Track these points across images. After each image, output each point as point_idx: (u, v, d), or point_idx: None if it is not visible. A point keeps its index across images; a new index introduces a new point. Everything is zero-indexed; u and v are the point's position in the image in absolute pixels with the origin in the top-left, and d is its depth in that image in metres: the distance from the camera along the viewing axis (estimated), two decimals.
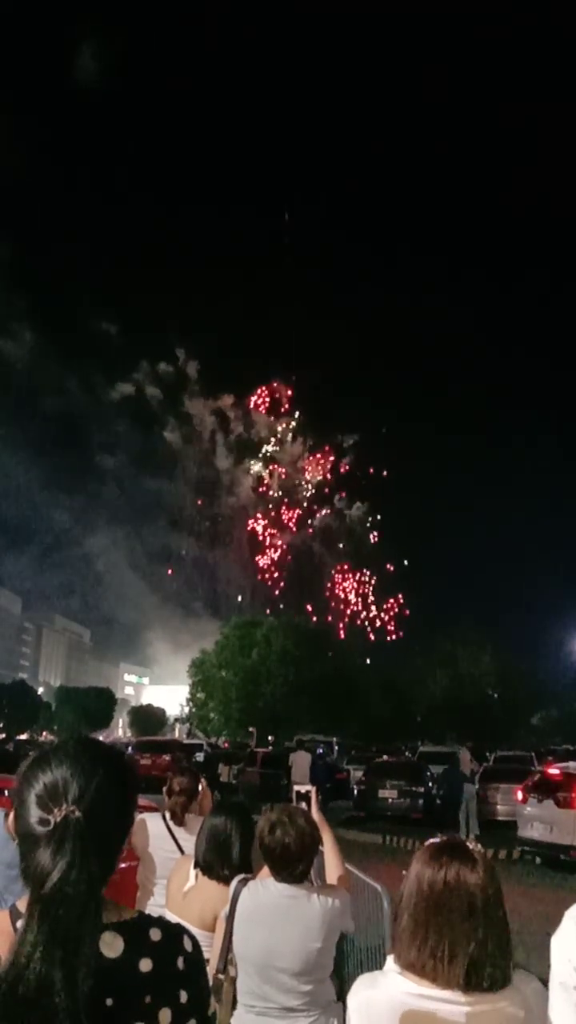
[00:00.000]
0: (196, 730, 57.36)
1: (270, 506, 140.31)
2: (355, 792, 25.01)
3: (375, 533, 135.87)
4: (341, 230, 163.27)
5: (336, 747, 40.65)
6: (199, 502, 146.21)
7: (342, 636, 78.99)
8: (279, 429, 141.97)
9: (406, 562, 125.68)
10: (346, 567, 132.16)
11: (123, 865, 4.52)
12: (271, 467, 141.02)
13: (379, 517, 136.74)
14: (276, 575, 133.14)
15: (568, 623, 65.89)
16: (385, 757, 29.84)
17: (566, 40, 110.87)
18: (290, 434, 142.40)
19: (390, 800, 22.65)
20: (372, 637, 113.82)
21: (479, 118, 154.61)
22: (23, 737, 52.70)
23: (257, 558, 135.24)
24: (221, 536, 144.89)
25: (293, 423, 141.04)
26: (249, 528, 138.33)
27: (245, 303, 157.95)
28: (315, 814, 3.49)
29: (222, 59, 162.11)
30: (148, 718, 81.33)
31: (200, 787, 4.81)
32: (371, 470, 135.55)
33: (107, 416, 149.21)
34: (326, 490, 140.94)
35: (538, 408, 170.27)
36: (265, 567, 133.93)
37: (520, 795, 16.43)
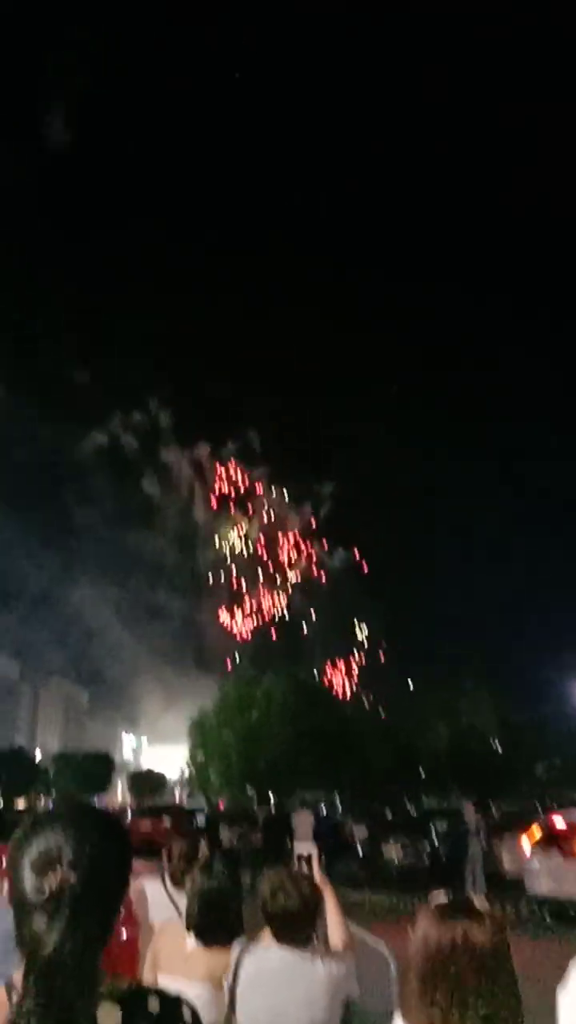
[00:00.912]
0: (196, 793, 56.45)
1: (247, 565, 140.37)
2: (359, 851, 24.56)
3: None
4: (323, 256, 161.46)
5: (339, 805, 40.01)
6: (179, 555, 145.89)
7: (339, 696, 77.36)
8: (254, 481, 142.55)
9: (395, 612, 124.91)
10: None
11: (124, 933, 4.44)
12: (243, 527, 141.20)
13: (360, 564, 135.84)
14: (259, 632, 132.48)
15: (569, 670, 65.38)
16: (389, 814, 29.39)
17: (566, 40, 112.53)
18: (262, 482, 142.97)
19: (395, 859, 22.26)
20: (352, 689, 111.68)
21: (479, 118, 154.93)
22: (21, 804, 51.77)
23: (236, 625, 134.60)
24: (203, 591, 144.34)
25: (264, 481, 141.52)
26: (231, 585, 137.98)
27: (214, 351, 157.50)
28: (317, 876, 3.44)
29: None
30: (148, 782, 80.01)
31: (200, 851, 4.74)
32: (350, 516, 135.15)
33: (83, 468, 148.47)
34: (306, 544, 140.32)
35: (538, 449, 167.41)
36: (246, 631, 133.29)
37: (526, 849, 16.16)
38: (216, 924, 3.54)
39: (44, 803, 57.97)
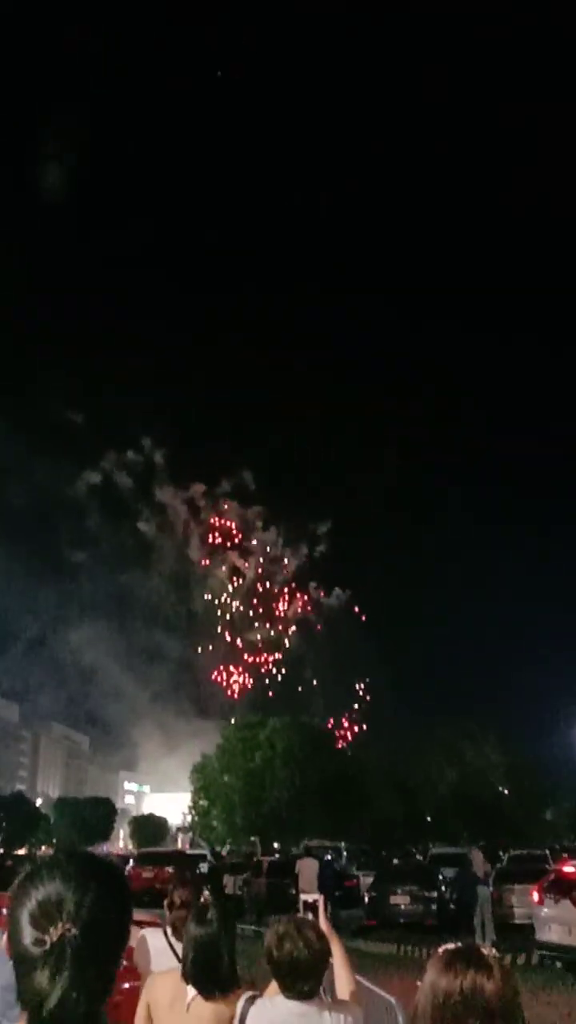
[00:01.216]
0: (199, 839, 55.72)
1: (241, 606, 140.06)
2: (366, 899, 24.15)
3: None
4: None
5: (344, 852, 39.41)
6: (174, 597, 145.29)
7: (340, 742, 75.98)
8: (250, 520, 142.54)
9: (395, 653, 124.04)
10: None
11: (126, 985, 4.34)
12: (242, 567, 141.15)
13: (356, 608, 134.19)
14: (255, 677, 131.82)
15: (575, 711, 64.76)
16: (395, 861, 28.94)
17: (567, 40, 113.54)
18: (260, 522, 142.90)
19: (402, 907, 21.85)
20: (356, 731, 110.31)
21: (479, 118, 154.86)
22: (22, 852, 51.09)
23: (232, 676, 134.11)
24: (199, 633, 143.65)
25: (260, 521, 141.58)
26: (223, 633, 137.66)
27: (209, 389, 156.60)
28: (323, 925, 3.37)
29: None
30: (150, 828, 78.96)
31: (202, 900, 4.66)
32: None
33: (76, 507, 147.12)
34: (301, 585, 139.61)
35: (542, 486, 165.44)
36: (240, 684, 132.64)
37: (536, 896, 15.87)
38: (210, 973, 3.43)
39: (44, 851, 57.18)
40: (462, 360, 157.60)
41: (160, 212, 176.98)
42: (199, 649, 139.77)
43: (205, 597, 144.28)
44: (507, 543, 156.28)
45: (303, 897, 3.76)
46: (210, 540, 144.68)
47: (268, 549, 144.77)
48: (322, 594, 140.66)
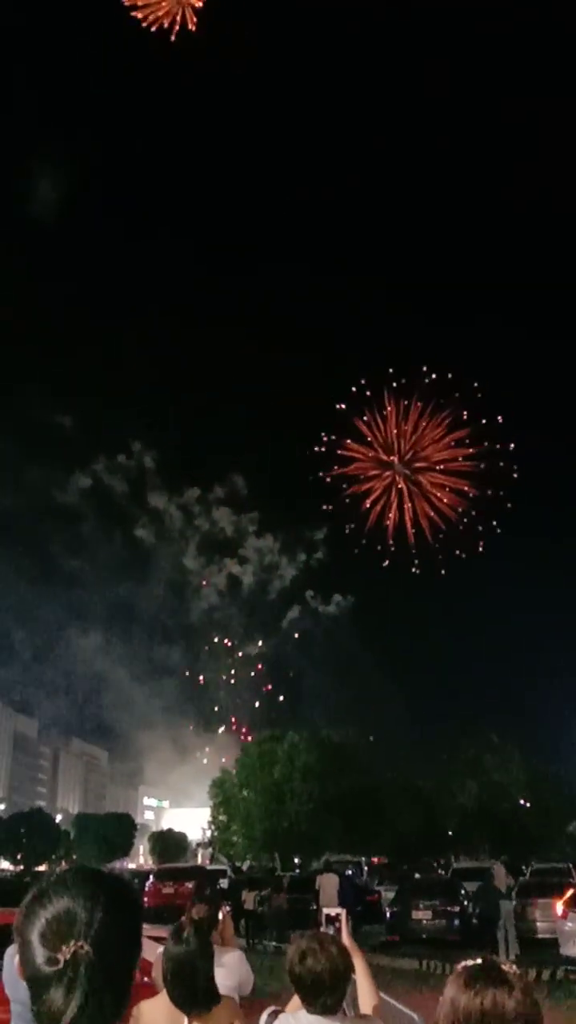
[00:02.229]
0: (219, 855, 55.50)
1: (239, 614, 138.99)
2: (388, 914, 23.94)
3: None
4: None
5: (365, 867, 39.14)
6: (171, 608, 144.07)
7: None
8: (244, 526, 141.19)
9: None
10: None
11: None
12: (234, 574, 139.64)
13: (359, 616, 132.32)
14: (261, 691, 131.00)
15: None
16: (417, 876, 28.70)
17: (568, 36, 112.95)
18: (254, 527, 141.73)
19: (424, 922, 21.65)
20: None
21: (481, 113, 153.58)
22: (42, 869, 51.07)
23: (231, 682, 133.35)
24: (197, 645, 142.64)
25: (254, 524, 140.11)
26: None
27: (199, 392, 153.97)
28: (346, 939, 3.36)
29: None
30: (169, 844, 78.77)
31: (221, 916, 4.63)
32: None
33: (69, 513, 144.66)
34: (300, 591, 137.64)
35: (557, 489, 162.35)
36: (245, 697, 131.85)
37: (560, 910, 15.71)
38: (187, 990, 3.44)
39: (63, 868, 57.06)
40: (466, 356, 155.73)
41: (159, 216, 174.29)
42: (199, 659, 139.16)
43: (203, 606, 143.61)
44: (529, 555, 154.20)
45: (325, 911, 3.74)
46: (206, 547, 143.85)
47: (265, 557, 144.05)
48: (319, 596, 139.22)
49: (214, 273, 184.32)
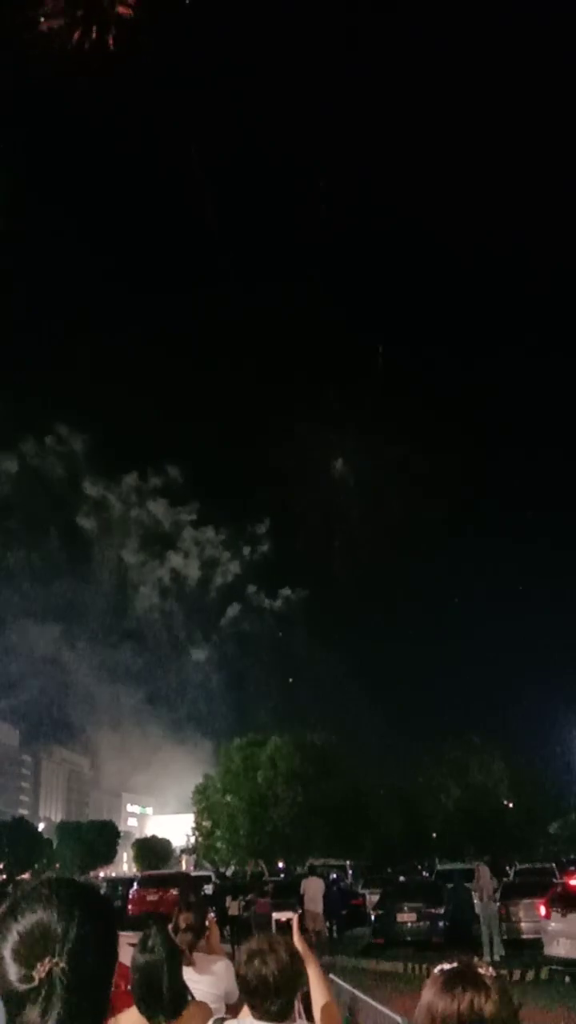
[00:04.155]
0: (203, 860, 55.30)
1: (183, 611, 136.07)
2: (372, 918, 23.95)
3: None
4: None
5: (350, 870, 39.14)
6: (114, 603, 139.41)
7: None
8: (180, 518, 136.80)
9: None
10: None
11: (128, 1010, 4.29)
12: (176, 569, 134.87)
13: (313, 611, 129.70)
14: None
15: None
16: (402, 879, 28.71)
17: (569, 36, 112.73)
18: (191, 518, 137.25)
19: (409, 924, 21.68)
20: None
21: (480, 117, 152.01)
22: (25, 877, 50.60)
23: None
24: (148, 642, 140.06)
25: (193, 515, 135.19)
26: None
27: (135, 375, 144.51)
28: (296, 941, 3.20)
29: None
30: (153, 851, 78.34)
31: (207, 922, 4.62)
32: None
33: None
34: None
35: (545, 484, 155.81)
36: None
37: (543, 910, 15.75)
38: (152, 998, 3.40)
39: (33, 879, 56.52)
40: (409, 346, 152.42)
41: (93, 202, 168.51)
42: (163, 662, 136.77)
43: (148, 602, 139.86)
44: (506, 555, 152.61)
45: (275, 916, 3.69)
46: (145, 538, 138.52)
47: (205, 550, 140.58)
48: (265, 598, 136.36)
49: (156, 263, 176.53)
